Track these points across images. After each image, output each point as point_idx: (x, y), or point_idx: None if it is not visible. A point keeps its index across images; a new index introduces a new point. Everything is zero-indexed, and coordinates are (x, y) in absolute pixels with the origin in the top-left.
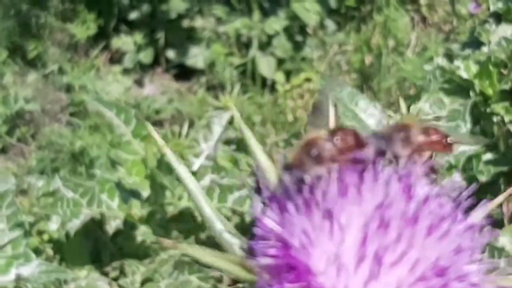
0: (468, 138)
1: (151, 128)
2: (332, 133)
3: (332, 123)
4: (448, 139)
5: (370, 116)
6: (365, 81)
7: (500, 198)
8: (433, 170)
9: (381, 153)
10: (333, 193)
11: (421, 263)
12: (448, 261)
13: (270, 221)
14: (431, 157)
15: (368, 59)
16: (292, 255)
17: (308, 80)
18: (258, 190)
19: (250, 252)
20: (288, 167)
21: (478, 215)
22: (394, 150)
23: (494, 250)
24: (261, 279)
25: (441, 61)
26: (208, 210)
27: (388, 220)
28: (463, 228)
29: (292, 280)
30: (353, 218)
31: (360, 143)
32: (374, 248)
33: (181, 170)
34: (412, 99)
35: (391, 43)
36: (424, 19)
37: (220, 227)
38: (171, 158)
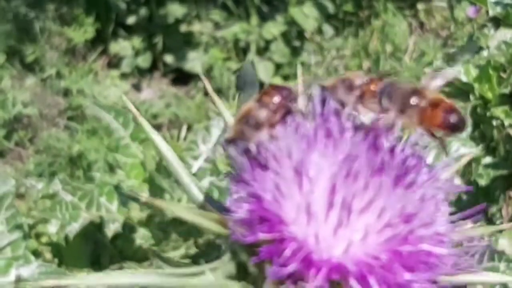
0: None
1: (125, 99)
2: (260, 97)
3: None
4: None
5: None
6: None
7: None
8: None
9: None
10: (301, 147)
11: (388, 210)
12: (414, 208)
13: (243, 177)
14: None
15: (366, 64)
16: (264, 208)
17: None
18: (229, 144)
19: (227, 210)
20: (231, 141)
21: (443, 168)
22: (338, 97)
23: (494, 253)
24: (236, 232)
25: (440, 64)
26: (185, 176)
27: (355, 171)
28: (428, 178)
29: (265, 231)
30: (322, 170)
31: (288, 97)
32: (342, 196)
33: (156, 137)
34: None
35: (388, 48)
36: (422, 25)
37: (197, 191)
38: (146, 125)
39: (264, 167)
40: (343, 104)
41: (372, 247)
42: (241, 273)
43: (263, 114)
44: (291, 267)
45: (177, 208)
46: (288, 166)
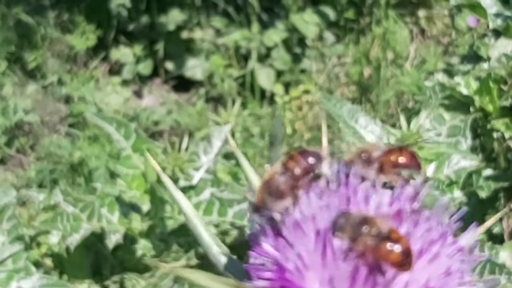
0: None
1: (149, 157)
2: (285, 162)
3: (325, 142)
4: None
5: (370, 132)
6: (364, 93)
7: (489, 222)
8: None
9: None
10: (325, 216)
11: (411, 285)
12: (438, 283)
13: (265, 245)
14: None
15: (367, 72)
16: (287, 278)
17: (307, 92)
18: (254, 212)
19: (248, 276)
20: (255, 209)
21: (468, 238)
22: (358, 172)
23: (495, 267)
24: None
25: (441, 77)
26: (207, 236)
27: None
28: (453, 251)
29: None
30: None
31: (314, 163)
32: (366, 271)
33: (178, 195)
34: (411, 112)
35: (390, 55)
36: (423, 32)
37: (217, 250)
38: (169, 184)
39: (286, 236)
40: (363, 178)
41: None
42: None
43: (286, 182)
44: None
45: (195, 275)
46: (312, 236)
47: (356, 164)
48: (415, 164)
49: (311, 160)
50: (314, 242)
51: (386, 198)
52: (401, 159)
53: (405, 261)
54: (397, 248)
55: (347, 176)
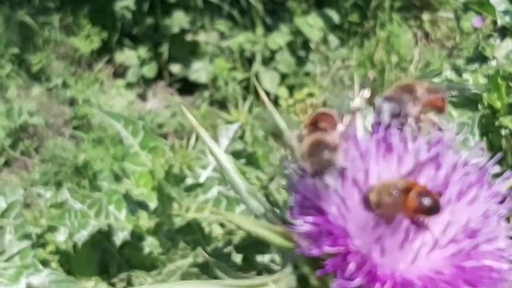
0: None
1: (183, 108)
2: (313, 126)
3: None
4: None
5: None
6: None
7: None
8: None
9: (394, 116)
10: (365, 163)
11: (453, 225)
12: (477, 224)
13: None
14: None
15: (371, 75)
16: (329, 221)
17: (311, 95)
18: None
19: (289, 223)
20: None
21: (503, 184)
22: (407, 110)
23: None
24: (302, 245)
25: (449, 74)
26: (243, 187)
27: None
28: (489, 194)
29: (330, 244)
30: None
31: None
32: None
33: (215, 148)
34: None
35: (394, 58)
36: (427, 35)
37: (256, 203)
38: (205, 136)
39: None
40: (405, 115)
41: (437, 262)
42: (303, 285)
43: (331, 137)
44: (356, 282)
45: (241, 219)
46: (353, 182)
47: (401, 99)
48: (445, 106)
49: (335, 116)
50: (358, 186)
51: (423, 143)
52: (440, 101)
53: (426, 204)
54: (413, 195)
55: (393, 114)
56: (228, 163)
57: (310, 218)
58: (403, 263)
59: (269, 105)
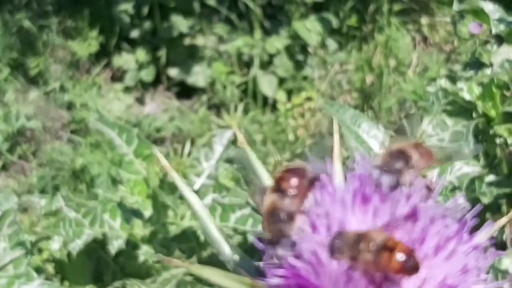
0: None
1: (157, 152)
2: (277, 185)
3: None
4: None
5: (373, 137)
6: (366, 100)
7: (503, 220)
8: (429, 188)
9: (393, 188)
10: (338, 215)
11: (428, 282)
12: (455, 280)
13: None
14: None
15: (369, 79)
16: (301, 275)
17: (309, 99)
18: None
19: (259, 273)
20: (273, 243)
21: (483, 235)
22: (403, 180)
23: (498, 272)
24: None
25: (443, 82)
26: (216, 232)
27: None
28: (469, 248)
29: None
30: None
31: (305, 175)
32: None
33: (188, 193)
34: None
35: (392, 62)
36: (425, 39)
37: (228, 249)
38: (178, 182)
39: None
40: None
41: None
42: None
43: (290, 203)
44: None
45: (208, 272)
46: (326, 234)
47: (396, 171)
48: (432, 161)
49: (301, 173)
50: (326, 238)
51: (401, 194)
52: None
53: (409, 265)
54: (398, 256)
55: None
56: (203, 210)
57: (280, 271)
58: None
59: (246, 147)
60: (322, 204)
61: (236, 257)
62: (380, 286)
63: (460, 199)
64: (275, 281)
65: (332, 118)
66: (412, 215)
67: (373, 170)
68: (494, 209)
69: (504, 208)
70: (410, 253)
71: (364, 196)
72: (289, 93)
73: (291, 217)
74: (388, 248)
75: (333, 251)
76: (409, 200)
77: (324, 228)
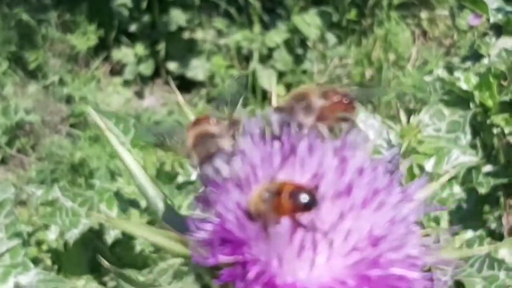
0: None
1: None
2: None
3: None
4: (348, 97)
5: (370, 127)
6: None
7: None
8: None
9: (287, 125)
10: (266, 166)
11: (354, 233)
12: (383, 231)
13: (208, 196)
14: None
15: (369, 73)
16: (226, 229)
17: None
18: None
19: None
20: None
21: (415, 189)
22: (298, 120)
23: (494, 262)
24: (196, 254)
25: (441, 72)
26: (151, 189)
27: (321, 191)
28: (400, 200)
29: (227, 253)
30: None
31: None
32: (306, 218)
33: (121, 149)
34: (412, 112)
35: (391, 56)
36: (424, 33)
37: (162, 206)
38: (111, 137)
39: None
40: (299, 125)
41: (338, 271)
42: None
43: (216, 128)
44: None
45: (133, 227)
46: (253, 185)
47: (292, 111)
48: (351, 106)
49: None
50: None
51: (329, 147)
52: (341, 104)
53: (300, 202)
54: (284, 196)
55: (282, 125)
56: (135, 165)
57: (207, 225)
58: (302, 272)
59: None
60: (250, 155)
61: (169, 213)
62: (301, 238)
63: (393, 150)
64: (201, 235)
65: None
66: (340, 167)
67: (268, 110)
68: (492, 201)
69: (502, 199)
70: (299, 190)
71: (292, 149)
72: (288, 87)
73: (220, 136)
74: (277, 192)
75: (250, 217)
76: (337, 152)
77: (251, 180)
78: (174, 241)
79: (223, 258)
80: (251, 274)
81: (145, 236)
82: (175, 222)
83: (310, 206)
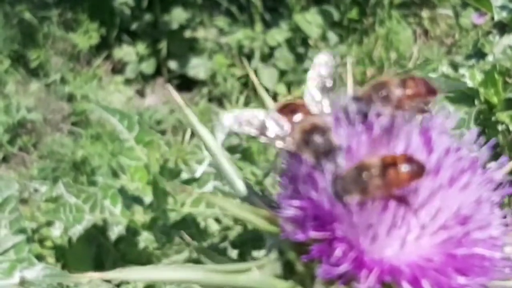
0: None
1: (172, 90)
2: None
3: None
4: (427, 86)
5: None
6: None
7: None
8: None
9: (364, 115)
10: (355, 147)
11: (443, 211)
12: (469, 210)
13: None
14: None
15: (370, 72)
16: (316, 205)
17: None
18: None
19: (275, 207)
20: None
21: (496, 169)
22: (376, 109)
23: None
24: (287, 230)
25: (445, 69)
26: (228, 166)
27: None
28: (483, 181)
29: (316, 229)
30: None
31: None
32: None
33: (201, 128)
34: None
35: (393, 55)
36: (426, 32)
37: (241, 184)
38: (192, 117)
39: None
40: (378, 115)
41: (426, 249)
42: (288, 271)
43: (321, 120)
44: (343, 268)
45: (224, 202)
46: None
47: (370, 100)
48: (432, 92)
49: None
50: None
51: (415, 127)
52: (420, 94)
53: (415, 170)
54: (402, 167)
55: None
56: (214, 143)
57: (296, 202)
58: (390, 250)
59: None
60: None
61: (248, 191)
62: (401, 201)
63: (475, 130)
64: (290, 211)
65: None
66: (428, 147)
67: (346, 99)
68: None
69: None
70: (410, 160)
71: (380, 130)
72: (290, 86)
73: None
74: (390, 165)
75: (338, 196)
76: (423, 133)
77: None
78: (262, 218)
79: (312, 234)
80: (338, 251)
81: (235, 211)
82: (260, 201)
83: (421, 174)
